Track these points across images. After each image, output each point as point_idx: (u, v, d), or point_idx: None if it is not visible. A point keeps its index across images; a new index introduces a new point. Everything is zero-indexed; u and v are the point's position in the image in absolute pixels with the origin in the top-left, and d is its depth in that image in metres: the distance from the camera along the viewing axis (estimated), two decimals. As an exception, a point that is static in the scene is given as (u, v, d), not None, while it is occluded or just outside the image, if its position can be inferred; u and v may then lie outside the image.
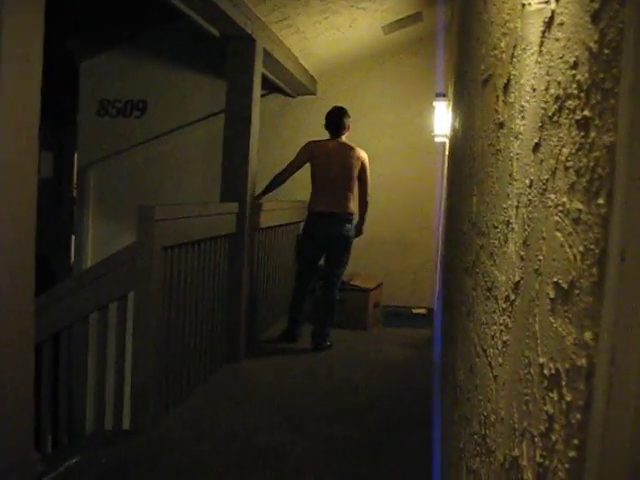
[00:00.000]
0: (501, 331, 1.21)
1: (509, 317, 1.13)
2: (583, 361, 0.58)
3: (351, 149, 5.45)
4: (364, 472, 3.40)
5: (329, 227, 5.35)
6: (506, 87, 1.36)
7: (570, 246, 0.66)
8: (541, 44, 0.93)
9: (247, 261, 4.99)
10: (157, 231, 3.51)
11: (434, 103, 6.05)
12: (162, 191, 7.29)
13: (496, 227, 1.40)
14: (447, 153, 5.77)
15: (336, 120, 5.45)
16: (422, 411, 4.04)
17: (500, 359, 1.19)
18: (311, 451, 3.60)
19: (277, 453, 3.56)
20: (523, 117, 1.09)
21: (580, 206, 0.64)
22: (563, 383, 0.65)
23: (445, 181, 5.80)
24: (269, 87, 6.83)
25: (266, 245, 5.77)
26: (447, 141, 5.96)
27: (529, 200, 0.97)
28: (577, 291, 0.62)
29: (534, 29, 1.00)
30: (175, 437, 3.69)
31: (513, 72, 1.26)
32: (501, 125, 1.43)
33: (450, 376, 2.59)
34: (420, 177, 7.12)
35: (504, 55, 1.43)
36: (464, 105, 3.19)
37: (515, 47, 1.25)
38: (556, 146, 0.78)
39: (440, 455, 3.10)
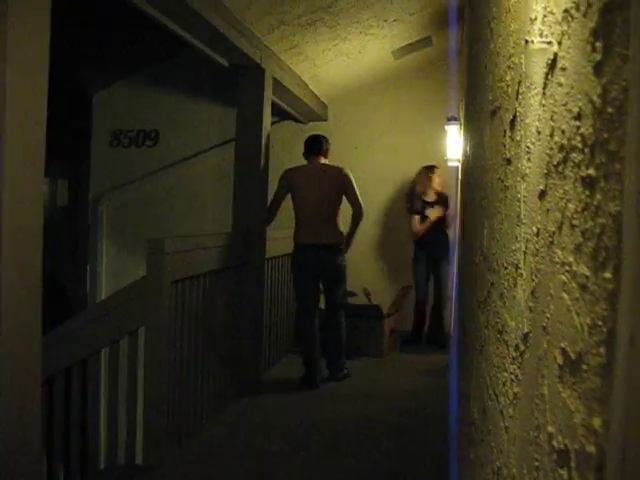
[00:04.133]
0: (511, 380, 1.15)
1: (519, 368, 1.07)
2: (592, 449, 0.53)
3: (332, 169, 5.16)
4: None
5: (320, 258, 5.06)
6: (512, 123, 1.31)
7: (577, 313, 0.61)
8: (545, 86, 0.88)
9: (256, 293, 4.93)
10: (167, 265, 3.48)
11: (446, 127, 6.01)
12: (174, 221, 7.28)
13: (506, 268, 1.35)
14: (460, 178, 5.71)
15: (314, 142, 5.23)
16: (438, 443, 3.95)
17: (511, 410, 1.13)
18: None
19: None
20: (529, 159, 1.04)
21: (587, 272, 0.59)
22: (572, 464, 0.59)
23: (459, 206, 5.74)
24: (280, 114, 6.83)
25: (275, 275, 5.69)
26: (459, 165, 5.91)
27: (536, 249, 0.92)
28: (585, 366, 0.57)
29: (537, 69, 0.96)
30: (188, 472, 3.63)
31: (519, 109, 1.22)
32: (508, 161, 1.38)
33: (465, 411, 2.52)
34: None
35: (510, 89, 1.38)
36: (474, 132, 3.14)
37: (520, 83, 1.21)
38: (562, 199, 0.73)
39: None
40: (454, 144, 5.87)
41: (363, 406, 4.82)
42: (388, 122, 7.25)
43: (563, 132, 0.73)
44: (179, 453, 3.82)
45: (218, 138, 7.21)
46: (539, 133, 0.93)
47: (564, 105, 0.72)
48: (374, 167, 7.23)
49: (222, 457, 3.82)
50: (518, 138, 1.21)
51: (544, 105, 0.88)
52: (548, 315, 0.78)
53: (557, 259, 0.75)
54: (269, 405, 4.79)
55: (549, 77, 0.85)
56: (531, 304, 0.95)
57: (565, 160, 0.71)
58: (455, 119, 5.92)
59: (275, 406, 4.77)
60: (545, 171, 0.85)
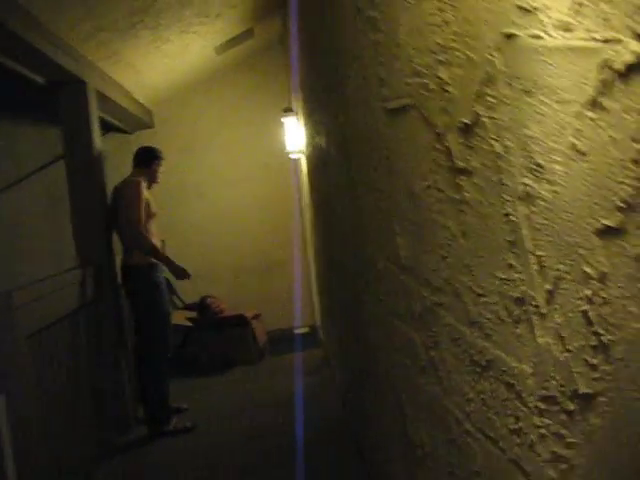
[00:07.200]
0: (540, 435, 0.97)
1: (568, 430, 0.89)
2: None
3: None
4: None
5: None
6: (469, 128, 1.12)
7: None
8: (597, 96, 0.69)
9: (118, 327, 4.49)
10: (18, 320, 3.03)
11: (282, 119, 5.82)
12: (6, 260, 6.52)
13: (483, 295, 1.16)
14: (306, 169, 5.56)
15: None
16: (336, 457, 3.74)
17: (552, 473, 0.96)
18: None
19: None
20: (537, 177, 0.85)
21: None
22: None
23: (308, 198, 5.59)
24: (104, 127, 6.34)
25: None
26: (302, 156, 5.76)
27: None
28: None
29: (566, 72, 0.77)
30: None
31: (487, 114, 1.03)
32: (462, 172, 1.19)
33: (397, 425, 2.33)
34: (278, 194, 6.88)
35: (451, 89, 1.19)
36: (337, 127, 2.96)
37: (489, 83, 1.01)
38: None
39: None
40: (293, 135, 5.69)
41: (246, 423, 4.54)
42: (219, 120, 6.94)
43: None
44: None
45: (41, 160, 6.56)
46: (580, 152, 0.74)
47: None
48: (213, 170, 6.93)
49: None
50: (488, 147, 1.02)
51: (593, 120, 0.70)
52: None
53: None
54: (144, 440, 4.39)
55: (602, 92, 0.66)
56: (596, 361, 0.77)
57: None
58: (291, 110, 5.76)
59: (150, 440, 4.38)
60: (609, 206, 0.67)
